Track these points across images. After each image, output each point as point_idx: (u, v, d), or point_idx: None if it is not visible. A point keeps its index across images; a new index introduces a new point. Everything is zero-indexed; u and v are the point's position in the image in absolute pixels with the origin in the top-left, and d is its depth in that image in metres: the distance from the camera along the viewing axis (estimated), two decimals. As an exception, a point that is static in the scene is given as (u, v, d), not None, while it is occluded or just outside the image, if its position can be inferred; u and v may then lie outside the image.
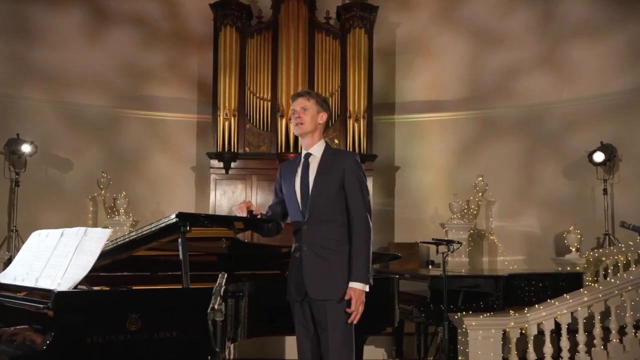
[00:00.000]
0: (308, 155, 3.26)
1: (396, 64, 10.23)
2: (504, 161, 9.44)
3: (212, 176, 9.27)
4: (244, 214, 3.21)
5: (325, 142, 3.32)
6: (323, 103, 3.30)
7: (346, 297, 3.04)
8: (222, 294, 2.08)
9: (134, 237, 3.15)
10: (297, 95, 3.31)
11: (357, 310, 3.04)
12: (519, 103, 9.43)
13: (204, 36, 9.78)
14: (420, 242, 6.12)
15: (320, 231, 3.12)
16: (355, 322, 3.07)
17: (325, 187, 3.14)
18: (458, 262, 8.62)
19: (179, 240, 3.04)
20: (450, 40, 9.95)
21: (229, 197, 9.28)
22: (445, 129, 9.90)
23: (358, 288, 3.04)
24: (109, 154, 9.44)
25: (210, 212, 8.97)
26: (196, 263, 3.33)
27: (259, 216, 3.27)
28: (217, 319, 2.03)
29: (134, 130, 9.65)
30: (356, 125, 9.10)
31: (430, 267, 8.76)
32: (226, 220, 3.57)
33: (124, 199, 8.90)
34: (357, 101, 9.17)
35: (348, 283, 3.06)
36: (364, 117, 9.13)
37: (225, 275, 2.14)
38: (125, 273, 3.63)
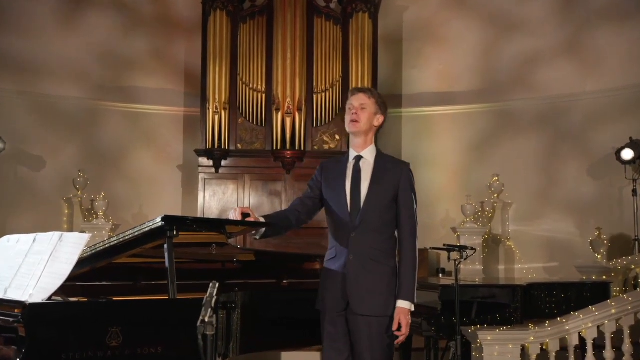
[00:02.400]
0: (359, 157, 3.33)
1: (403, 52, 10.23)
2: (522, 159, 9.43)
3: (201, 175, 9.28)
4: (238, 218, 3.22)
5: (377, 146, 3.40)
6: (382, 105, 3.37)
7: (395, 318, 3.15)
8: (213, 305, 2.07)
9: (115, 242, 3.13)
10: (358, 90, 3.38)
11: (406, 332, 3.17)
12: (538, 95, 9.42)
13: (192, 21, 9.77)
14: (430, 249, 6.10)
15: (369, 242, 3.21)
16: (401, 342, 3.21)
17: (379, 197, 3.24)
18: (471, 270, 8.61)
19: (165, 246, 3.03)
20: (462, 26, 9.94)
21: (219, 198, 9.27)
22: (457, 123, 9.89)
23: (406, 307, 3.17)
24: (87, 151, 9.42)
25: (199, 214, 8.97)
26: (184, 271, 3.31)
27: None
28: (207, 332, 2.02)
29: (115, 124, 9.63)
30: (359, 119, 9.07)
31: (440, 275, 8.76)
32: (217, 224, 3.56)
33: (103, 201, 8.87)
34: (360, 93, 9.15)
35: (393, 299, 3.19)
36: (368, 111, 9.11)
37: (217, 285, 2.13)
38: (104, 282, 3.61)
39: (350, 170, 3.31)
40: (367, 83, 9.18)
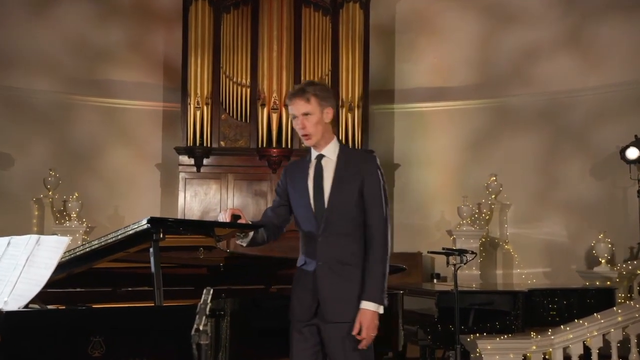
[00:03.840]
0: (320, 157, 3.25)
1: (396, 45, 10.26)
2: (520, 158, 9.49)
3: (181, 175, 9.26)
4: (228, 220, 3.22)
5: (338, 139, 3.32)
6: (326, 97, 3.23)
7: (356, 320, 3.07)
8: (207, 312, 2.07)
9: (97, 246, 3.11)
10: (293, 95, 3.22)
11: (368, 336, 3.07)
12: (538, 90, 9.48)
13: (172, 11, 9.76)
14: (428, 252, 6.11)
15: (336, 245, 3.14)
16: (364, 347, 3.10)
17: (343, 197, 3.16)
18: (468, 276, 8.63)
19: (151, 250, 3.02)
20: (458, 17, 9.98)
21: (200, 199, 9.25)
22: (452, 120, 9.93)
23: (370, 309, 3.08)
24: (59, 148, 9.37)
25: (179, 216, 8.95)
26: (169, 276, 3.30)
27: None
28: (202, 342, 2.02)
29: (89, 120, 9.58)
30: (350, 115, 9.10)
31: (435, 280, 8.79)
32: (206, 227, 3.54)
33: (77, 202, 8.84)
34: (350, 88, 9.19)
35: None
36: (358, 107, 9.15)
37: (211, 291, 2.13)
38: (84, 289, 3.58)
39: (312, 171, 3.24)
40: (357, 77, 9.20)
